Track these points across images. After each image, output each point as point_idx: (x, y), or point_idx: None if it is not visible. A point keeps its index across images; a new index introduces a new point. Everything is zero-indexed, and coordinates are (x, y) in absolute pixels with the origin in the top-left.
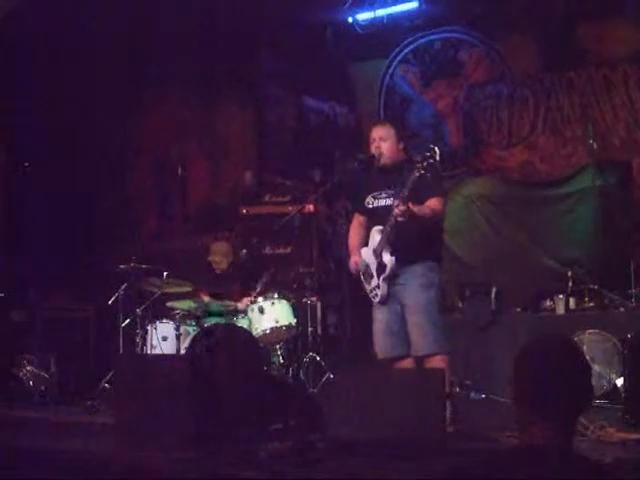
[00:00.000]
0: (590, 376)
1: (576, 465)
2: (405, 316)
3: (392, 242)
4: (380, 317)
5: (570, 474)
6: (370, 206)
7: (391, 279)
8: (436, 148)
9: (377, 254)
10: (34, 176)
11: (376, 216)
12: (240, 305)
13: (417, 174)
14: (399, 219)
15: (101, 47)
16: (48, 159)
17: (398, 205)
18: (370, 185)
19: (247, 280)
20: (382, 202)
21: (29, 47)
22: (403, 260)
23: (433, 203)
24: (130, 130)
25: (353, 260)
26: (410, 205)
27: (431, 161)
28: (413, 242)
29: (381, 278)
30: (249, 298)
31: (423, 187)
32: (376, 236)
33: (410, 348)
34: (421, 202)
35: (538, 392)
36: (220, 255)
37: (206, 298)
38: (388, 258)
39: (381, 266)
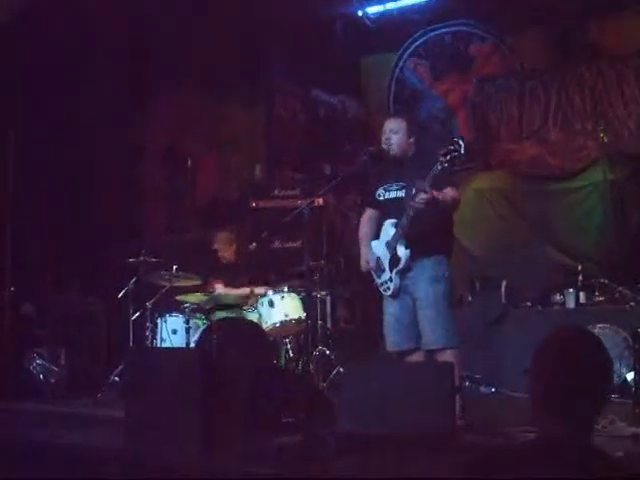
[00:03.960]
0: (611, 369)
1: (593, 460)
2: (416, 309)
3: (407, 235)
4: (391, 310)
5: (588, 469)
6: (381, 198)
7: (404, 272)
8: (460, 141)
9: (391, 247)
10: (43, 169)
11: (387, 208)
12: (257, 290)
13: (439, 167)
14: (421, 207)
15: (108, 42)
16: (57, 152)
17: (420, 193)
18: (380, 178)
19: (256, 273)
20: (393, 194)
21: (35, 45)
22: (416, 253)
23: (450, 191)
24: (140, 124)
25: (364, 259)
26: (434, 193)
27: (455, 154)
28: (427, 236)
29: (394, 271)
30: (264, 287)
31: (441, 179)
32: (390, 229)
33: (420, 341)
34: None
35: (559, 385)
36: (222, 243)
37: (220, 288)
38: (403, 251)
39: (395, 259)
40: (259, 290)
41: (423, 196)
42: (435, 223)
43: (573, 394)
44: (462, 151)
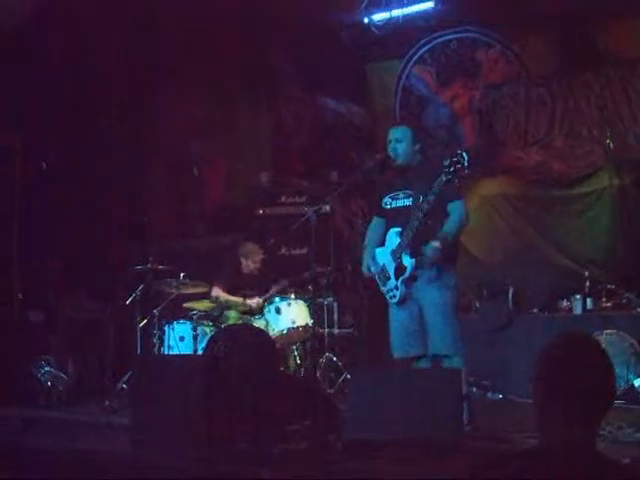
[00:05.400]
0: (614, 375)
1: (598, 466)
2: (423, 317)
3: (412, 244)
4: (397, 318)
5: (593, 475)
6: (388, 207)
7: (410, 281)
8: (464, 153)
9: (397, 256)
10: (49, 177)
11: (393, 216)
12: (251, 302)
13: (444, 179)
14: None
15: (113, 48)
16: (63, 160)
17: (422, 204)
18: (387, 186)
19: (263, 281)
20: (400, 203)
21: (38, 53)
22: (421, 262)
23: (457, 211)
24: (146, 131)
25: (365, 266)
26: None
27: (459, 166)
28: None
29: (400, 280)
30: (259, 298)
31: (447, 191)
32: (394, 238)
33: (427, 348)
34: (443, 206)
35: (562, 391)
36: (247, 254)
37: (220, 293)
38: (408, 260)
39: (400, 268)
40: (254, 302)
41: (435, 253)
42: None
43: (575, 400)
44: (466, 163)
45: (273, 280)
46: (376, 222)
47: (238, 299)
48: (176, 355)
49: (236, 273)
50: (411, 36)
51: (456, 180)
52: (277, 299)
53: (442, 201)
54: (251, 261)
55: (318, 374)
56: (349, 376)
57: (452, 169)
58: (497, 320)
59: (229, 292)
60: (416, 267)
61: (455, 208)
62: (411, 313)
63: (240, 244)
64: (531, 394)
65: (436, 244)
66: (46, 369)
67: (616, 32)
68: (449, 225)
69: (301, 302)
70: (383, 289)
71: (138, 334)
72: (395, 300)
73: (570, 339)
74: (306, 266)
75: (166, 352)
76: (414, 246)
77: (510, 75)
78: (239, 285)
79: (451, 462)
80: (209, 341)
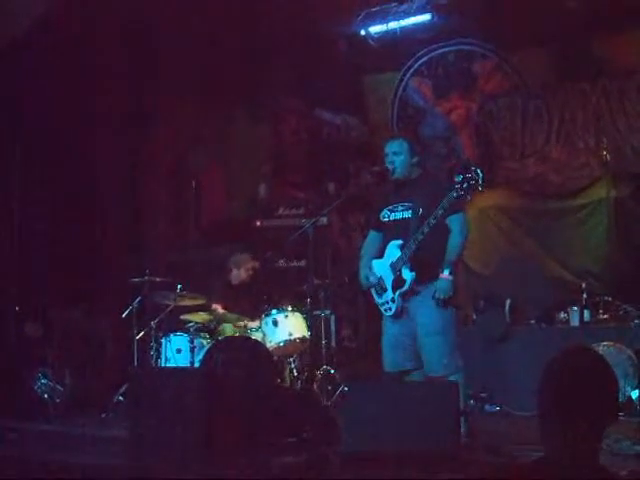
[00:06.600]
0: (617, 389)
1: (600, 479)
2: (418, 333)
3: (413, 258)
4: (391, 331)
5: None
6: (386, 219)
7: (407, 294)
8: (478, 171)
9: (396, 269)
10: (48, 188)
11: (392, 229)
12: (251, 324)
13: (455, 194)
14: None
15: (112, 59)
16: (61, 171)
17: (428, 219)
18: (385, 198)
19: (259, 294)
20: (399, 215)
21: (39, 65)
22: (421, 277)
23: (458, 226)
24: (144, 143)
25: (362, 277)
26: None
27: (473, 183)
28: (433, 259)
29: (397, 293)
30: (258, 321)
31: (454, 205)
32: (395, 251)
33: (420, 363)
34: (443, 219)
35: (566, 404)
36: (237, 265)
37: (220, 310)
38: (408, 274)
39: (399, 281)
40: (253, 324)
41: (449, 285)
42: (440, 248)
43: (579, 413)
44: (480, 181)
45: (268, 293)
46: (373, 236)
47: (239, 317)
48: (173, 367)
49: (226, 284)
50: (408, 48)
51: (468, 197)
52: (274, 311)
53: (445, 214)
54: (243, 270)
55: (315, 386)
56: (346, 389)
57: (465, 185)
58: (494, 332)
59: (225, 307)
60: (415, 281)
61: (455, 222)
62: (405, 328)
63: (232, 255)
64: (530, 406)
65: (447, 274)
66: (43, 381)
67: (613, 44)
68: (453, 245)
69: (298, 314)
70: (378, 301)
71: (135, 346)
72: (390, 313)
73: (574, 352)
74: (304, 278)
75: (163, 364)
76: (415, 260)
77: (507, 87)
78: (232, 296)
79: (449, 474)
80: (206, 353)
